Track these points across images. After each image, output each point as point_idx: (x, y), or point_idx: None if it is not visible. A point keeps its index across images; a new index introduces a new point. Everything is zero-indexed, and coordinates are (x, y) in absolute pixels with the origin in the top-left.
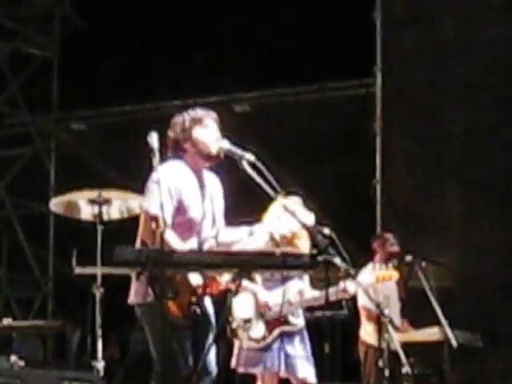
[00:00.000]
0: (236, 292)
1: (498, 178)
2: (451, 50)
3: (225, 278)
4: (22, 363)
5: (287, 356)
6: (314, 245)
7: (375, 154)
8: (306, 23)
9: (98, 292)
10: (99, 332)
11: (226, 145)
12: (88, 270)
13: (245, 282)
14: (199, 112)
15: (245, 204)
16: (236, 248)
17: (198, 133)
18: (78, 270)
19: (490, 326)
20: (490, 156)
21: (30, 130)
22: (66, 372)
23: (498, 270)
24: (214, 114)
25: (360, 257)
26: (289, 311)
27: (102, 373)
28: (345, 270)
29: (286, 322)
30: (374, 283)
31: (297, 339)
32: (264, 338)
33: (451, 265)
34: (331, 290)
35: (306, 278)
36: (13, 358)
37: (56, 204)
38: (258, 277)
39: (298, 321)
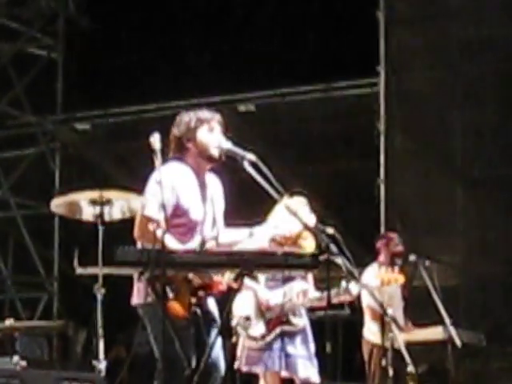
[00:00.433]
0: (238, 291)
1: (502, 177)
2: (455, 49)
3: (225, 278)
4: (24, 363)
5: (288, 356)
6: (319, 245)
7: (379, 153)
8: (310, 23)
9: (99, 292)
10: (101, 332)
11: (226, 145)
12: (90, 271)
13: (246, 281)
14: (206, 113)
15: (248, 205)
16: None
17: (202, 134)
18: (80, 271)
19: (493, 325)
20: (494, 155)
21: (34, 131)
22: (67, 372)
23: (502, 269)
24: (219, 117)
25: (364, 256)
26: (290, 311)
27: (103, 373)
28: (347, 270)
29: (287, 322)
30: (379, 286)
31: (298, 339)
32: (263, 337)
33: (455, 264)
34: (334, 291)
35: (311, 278)
36: (15, 358)
37: (57, 205)
38: (260, 277)
39: (300, 321)
